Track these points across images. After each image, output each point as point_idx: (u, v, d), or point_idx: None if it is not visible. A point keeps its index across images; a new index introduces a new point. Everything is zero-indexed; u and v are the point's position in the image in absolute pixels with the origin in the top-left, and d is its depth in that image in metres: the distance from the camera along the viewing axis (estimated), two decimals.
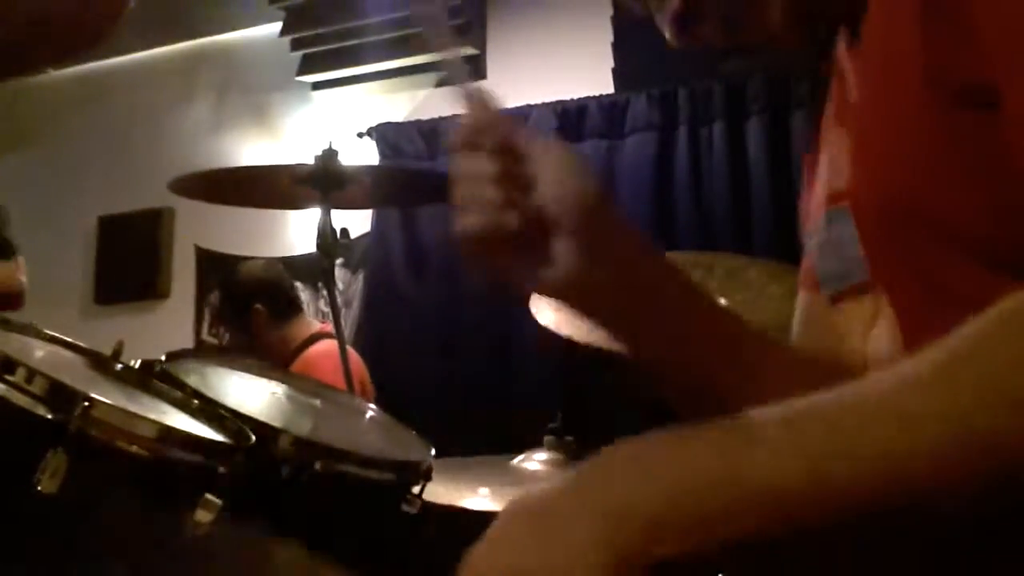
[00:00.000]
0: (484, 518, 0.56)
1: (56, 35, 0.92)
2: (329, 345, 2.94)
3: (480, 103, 0.75)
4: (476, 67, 4.15)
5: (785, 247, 3.51)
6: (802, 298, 0.96)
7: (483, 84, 0.78)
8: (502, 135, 0.74)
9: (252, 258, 3.71)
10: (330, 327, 3.44)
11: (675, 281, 0.78)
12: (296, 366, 2.97)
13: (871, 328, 0.75)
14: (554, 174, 0.71)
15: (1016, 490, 0.46)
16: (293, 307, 3.26)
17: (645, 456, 0.53)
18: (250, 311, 3.13)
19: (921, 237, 0.64)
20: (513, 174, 0.72)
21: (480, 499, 1.60)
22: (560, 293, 0.74)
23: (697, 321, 0.78)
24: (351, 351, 2.54)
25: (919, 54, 0.63)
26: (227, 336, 3.30)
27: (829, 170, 0.82)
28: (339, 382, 2.09)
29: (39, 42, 0.91)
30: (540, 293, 0.75)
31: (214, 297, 3.40)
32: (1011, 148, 0.58)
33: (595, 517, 0.52)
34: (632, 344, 0.78)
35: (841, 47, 0.87)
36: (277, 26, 4.38)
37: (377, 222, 4.02)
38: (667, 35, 0.87)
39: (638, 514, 0.51)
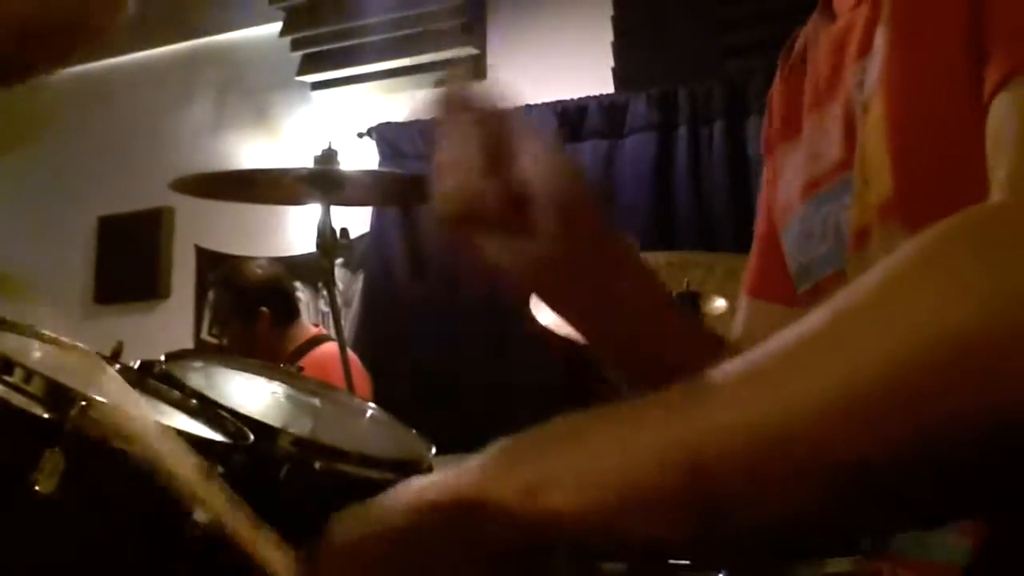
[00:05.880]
0: None
1: (51, 41, 0.92)
2: (334, 348, 2.95)
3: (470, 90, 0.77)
4: (476, 67, 4.15)
5: None
6: (748, 303, 0.96)
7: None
8: (490, 106, 0.75)
9: (251, 258, 3.71)
10: (324, 330, 3.47)
11: (639, 275, 0.82)
12: (302, 367, 2.96)
13: None
14: (537, 149, 0.73)
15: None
16: (294, 310, 3.28)
17: (543, 439, 0.53)
18: (255, 313, 3.14)
19: None
20: (497, 143, 0.73)
21: None
22: (528, 268, 0.76)
23: (651, 319, 0.81)
24: (351, 356, 2.54)
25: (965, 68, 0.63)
26: (225, 335, 3.29)
27: (806, 158, 0.82)
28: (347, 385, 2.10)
29: (33, 48, 0.91)
30: (506, 269, 0.77)
31: (212, 296, 3.37)
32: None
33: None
34: (585, 328, 0.82)
35: (809, 29, 0.86)
36: (277, 26, 4.38)
37: (377, 222, 4.02)
38: None
39: (518, 480, 0.50)
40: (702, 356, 0.68)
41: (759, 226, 0.99)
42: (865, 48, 0.72)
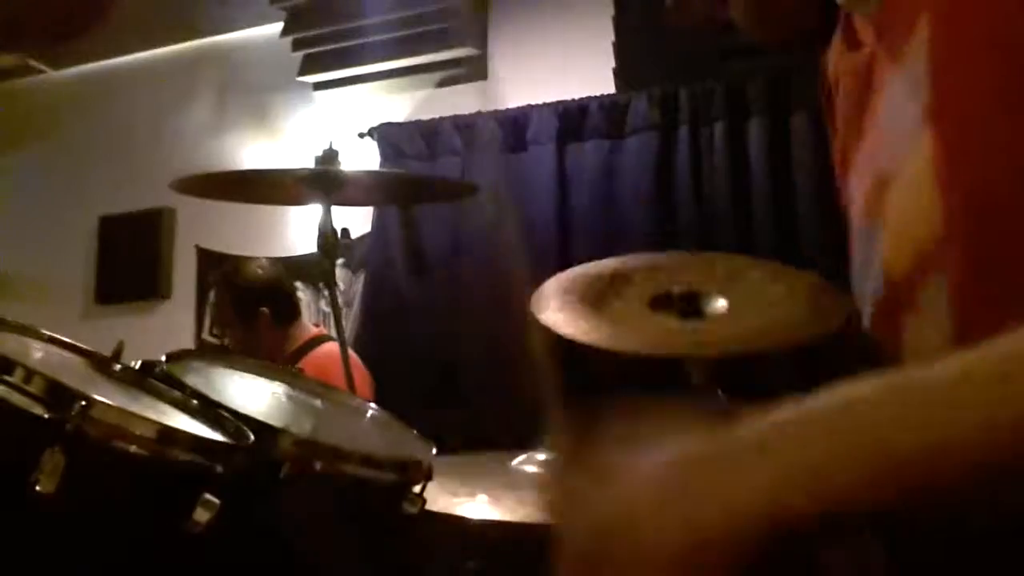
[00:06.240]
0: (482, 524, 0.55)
1: (42, 27, 0.91)
2: (336, 347, 2.95)
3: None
4: (477, 67, 4.15)
5: (786, 247, 3.50)
6: None
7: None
8: None
9: (252, 258, 3.71)
10: (325, 330, 3.47)
11: None
12: (304, 367, 2.97)
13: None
14: None
15: None
16: (294, 310, 3.28)
17: (815, 417, 0.53)
18: (256, 313, 3.14)
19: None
20: None
21: (479, 505, 1.59)
22: None
23: None
24: (353, 356, 2.54)
25: None
26: (226, 336, 3.29)
27: (862, 178, 0.77)
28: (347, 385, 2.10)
29: (32, 18, 0.91)
30: None
31: (213, 296, 3.38)
32: None
33: (764, 472, 0.51)
34: None
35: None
36: (278, 26, 4.38)
37: (377, 222, 4.02)
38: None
39: (804, 473, 0.50)
40: None
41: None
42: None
